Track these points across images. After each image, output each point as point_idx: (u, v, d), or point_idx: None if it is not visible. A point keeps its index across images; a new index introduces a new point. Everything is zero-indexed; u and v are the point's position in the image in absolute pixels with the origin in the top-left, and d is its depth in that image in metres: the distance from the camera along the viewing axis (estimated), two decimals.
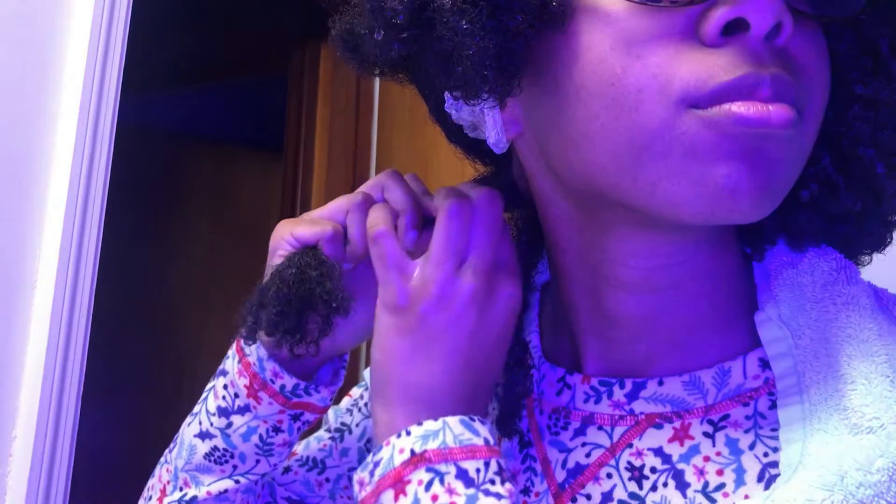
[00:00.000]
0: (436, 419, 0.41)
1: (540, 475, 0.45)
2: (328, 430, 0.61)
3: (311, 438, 0.62)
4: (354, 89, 1.91)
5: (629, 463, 0.42)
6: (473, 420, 0.42)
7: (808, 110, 0.36)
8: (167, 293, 2.60)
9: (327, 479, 0.59)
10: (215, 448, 0.52)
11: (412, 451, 0.40)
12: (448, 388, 0.43)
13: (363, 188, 0.51)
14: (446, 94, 0.45)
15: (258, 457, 0.52)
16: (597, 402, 0.44)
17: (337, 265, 0.48)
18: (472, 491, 0.39)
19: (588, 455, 0.44)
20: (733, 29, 0.34)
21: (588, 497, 0.43)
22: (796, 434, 0.37)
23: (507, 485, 0.40)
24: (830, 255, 0.42)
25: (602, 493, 0.42)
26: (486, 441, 0.41)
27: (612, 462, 0.43)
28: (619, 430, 0.43)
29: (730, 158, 0.34)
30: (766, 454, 0.39)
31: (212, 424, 0.52)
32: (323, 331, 0.47)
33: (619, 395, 0.44)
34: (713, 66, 0.34)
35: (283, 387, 0.50)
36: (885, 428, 0.34)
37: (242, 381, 0.51)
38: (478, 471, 0.40)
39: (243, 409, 0.51)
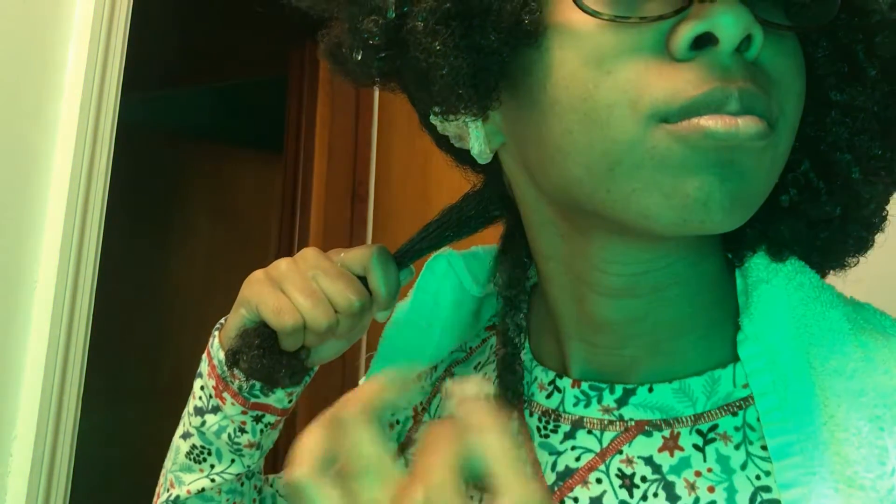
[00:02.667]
0: None
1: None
2: None
3: None
4: (354, 89, 1.91)
5: (620, 470, 0.42)
6: None
7: (780, 121, 0.36)
8: (167, 293, 2.60)
9: None
10: (193, 446, 0.55)
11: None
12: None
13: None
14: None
15: (231, 455, 0.54)
16: (586, 406, 0.45)
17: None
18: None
19: (578, 459, 0.44)
20: (702, 43, 0.34)
21: (576, 500, 0.43)
22: (791, 476, 0.37)
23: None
24: (807, 272, 0.43)
25: (591, 498, 0.42)
26: None
27: (603, 467, 0.43)
28: (608, 436, 0.43)
29: (700, 171, 0.34)
30: (758, 476, 0.39)
31: (190, 424, 0.55)
32: (286, 373, 0.52)
33: (608, 400, 0.44)
34: (682, 82, 0.34)
35: (240, 387, 0.52)
36: (875, 488, 0.35)
37: (211, 382, 0.54)
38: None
39: (215, 409, 0.54)
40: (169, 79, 2.52)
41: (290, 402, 0.54)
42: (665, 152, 0.35)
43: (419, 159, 1.64)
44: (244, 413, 0.53)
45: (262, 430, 0.54)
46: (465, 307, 0.56)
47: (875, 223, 0.43)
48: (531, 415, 0.47)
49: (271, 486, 0.61)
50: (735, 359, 0.42)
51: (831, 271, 0.46)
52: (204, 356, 0.55)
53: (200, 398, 0.54)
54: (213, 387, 0.53)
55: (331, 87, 1.95)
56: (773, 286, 0.42)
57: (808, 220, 0.42)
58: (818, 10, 0.37)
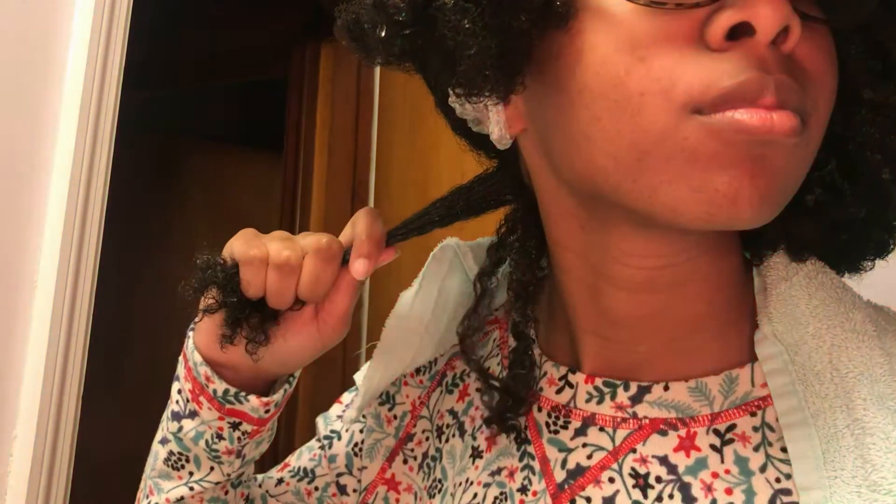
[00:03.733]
0: None
1: (538, 474, 0.45)
2: (318, 440, 0.61)
3: (304, 448, 0.62)
4: (354, 89, 1.91)
5: (633, 469, 0.41)
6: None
7: (812, 118, 0.35)
8: (167, 293, 2.60)
9: (316, 488, 0.59)
10: (171, 452, 0.53)
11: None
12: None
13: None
14: (450, 89, 0.45)
15: (210, 462, 0.52)
16: (599, 402, 0.44)
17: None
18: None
19: (589, 457, 0.43)
20: (739, 33, 0.34)
21: (588, 500, 0.42)
22: (811, 479, 0.36)
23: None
24: (828, 272, 0.42)
25: (603, 498, 0.42)
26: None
27: (615, 466, 0.42)
28: (621, 434, 0.43)
29: (731, 166, 0.34)
30: (777, 479, 0.38)
31: (168, 429, 0.53)
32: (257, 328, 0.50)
33: (622, 397, 0.43)
34: (717, 71, 0.33)
35: (214, 391, 0.50)
36: None
37: (188, 386, 0.52)
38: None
39: (192, 414, 0.52)
40: (169, 79, 2.52)
41: (266, 412, 0.51)
42: (696, 145, 0.34)
43: (419, 159, 1.64)
44: (221, 419, 0.51)
45: (239, 438, 0.51)
46: (470, 299, 0.54)
47: None
48: (540, 410, 0.47)
49: (260, 486, 0.60)
50: (752, 358, 0.41)
51: (846, 274, 0.45)
52: (180, 359, 0.53)
53: (178, 402, 0.52)
54: (189, 390, 0.51)
55: (331, 87, 1.95)
56: (793, 285, 0.41)
57: (831, 221, 0.41)
58: (856, 5, 0.36)
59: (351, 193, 1.87)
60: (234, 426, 0.51)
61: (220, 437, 0.51)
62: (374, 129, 1.87)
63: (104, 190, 1.23)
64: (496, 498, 0.46)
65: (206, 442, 0.51)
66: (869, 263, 0.45)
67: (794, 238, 0.42)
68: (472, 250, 0.55)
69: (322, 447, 0.60)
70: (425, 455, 0.53)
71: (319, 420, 0.63)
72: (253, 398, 0.51)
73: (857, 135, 0.39)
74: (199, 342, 0.51)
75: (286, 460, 0.62)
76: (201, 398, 0.51)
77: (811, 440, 0.37)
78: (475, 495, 0.47)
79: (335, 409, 0.63)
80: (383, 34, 0.40)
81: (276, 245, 0.49)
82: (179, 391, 0.53)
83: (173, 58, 2.34)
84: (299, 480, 0.59)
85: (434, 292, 0.54)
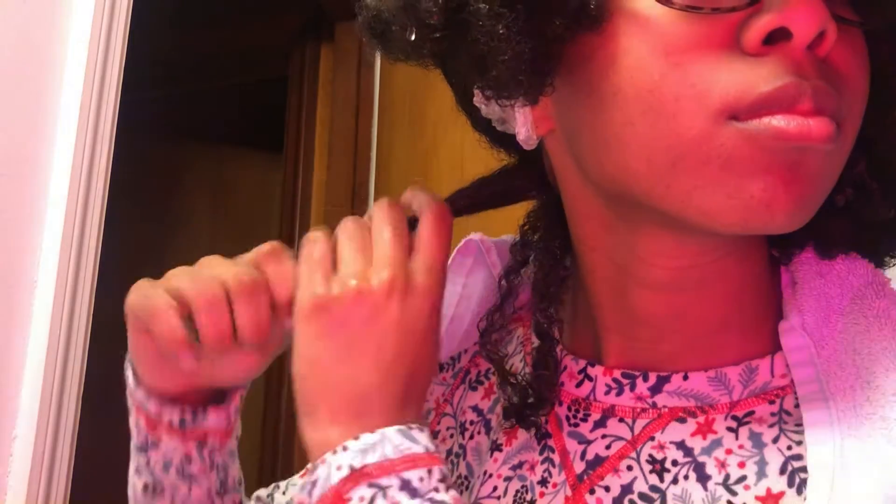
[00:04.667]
0: (372, 431, 0.39)
1: (558, 466, 0.45)
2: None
3: (296, 478, 0.60)
4: (354, 89, 1.90)
5: (650, 456, 0.42)
6: (412, 428, 0.40)
7: (847, 122, 0.35)
8: None
9: None
10: (146, 485, 0.50)
11: (351, 468, 0.38)
12: (378, 390, 0.40)
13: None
14: (476, 89, 0.44)
15: (187, 484, 0.50)
16: (618, 394, 0.44)
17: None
18: (416, 501, 0.37)
19: (608, 447, 0.43)
20: (776, 38, 0.33)
21: (607, 489, 0.42)
22: (824, 436, 0.36)
23: (452, 492, 0.38)
24: (860, 267, 0.42)
25: (621, 486, 0.42)
26: (427, 449, 0.39)
27: (633, 455, 0.42)
28: (640, 423, 0.43)
29: (767, 172, 0.34)
30: (789, 447, 0.39)
31: (138, 462, 0.51)
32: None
33: (641, 388, 0.43)
34: (754, 76, 0.33)
35: (171, 422, 0.48)
36: None
37: (141, 421, 0.49)
38: (421, 479, 0.38)
39: (154, 444, 0.49)
40: (169, 79, 2.52)
41: (228, 423, 0.50)
42: (732, 150, 0.34)
43: (419, 159, 1.64)
44: (184, 442, 0.49)
45: (210, 454, 0.50)
46: (493, 296, 0.54)
47: None
48: (560, 404, 0.47)
49: (269, 496, 0.59)
50: (774, 350, 0.41)
51: None
52: (127, 392, 0.51)
53: (136, 435, 0.50)
54: (144, 425, 0.49)
55: (331, 87, 1.95)
56: (828, 283, 0.41)
57: (859, 221, 0.42)
58: (888, 6, 0.36)
59: (351, 193, 1.86)
60: (201, 445, 0.50)
61: (189, 461, 0.49)
62: (374, 129, 1.87)
63: (104, 190, 1.23)
64: (517, 491, 0.46)
65: (177, 469, 0.49)
66: (893, 260, 0.45)
67: (821, 237, 0.42)
68: (495, 246, 0.55)
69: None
70: (449, 452, 0.53)
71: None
72: (211, 414, 0.49)
73: (887, 135, 0.39)
74: (141, 374, 0.48)
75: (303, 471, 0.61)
76: (158, 430, 0.49)
77: (827, 409, 0.37)
78: (495, 488, 0.47)
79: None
80: (413, 36, 0.40)
81: (185, 282, 0.45)
82: (136, 423, 0.50)
83: (173, 58, 2.34)
84: None
85: (458, 287, 0.54)
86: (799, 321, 0.40)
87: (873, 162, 0.40)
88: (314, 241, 0.44)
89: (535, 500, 0.45)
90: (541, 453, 0.46)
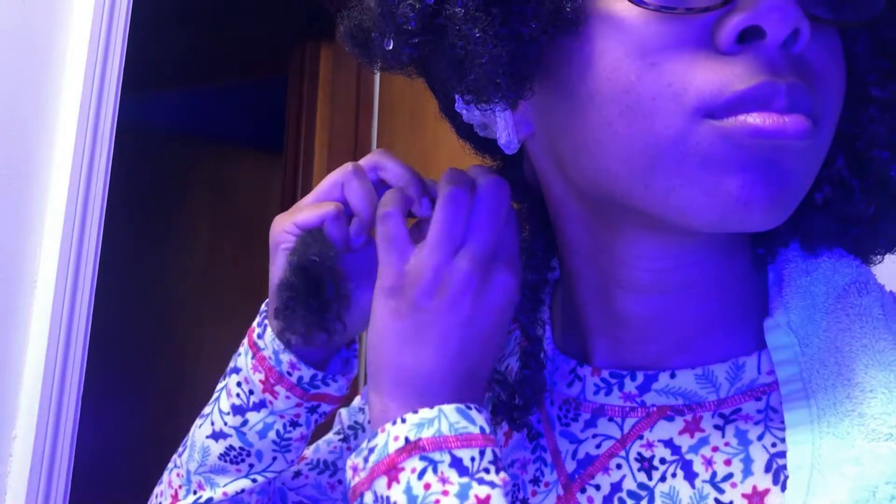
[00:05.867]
0: (431, 407, 0.41)
1: (550, 465, 0.45)
2: (338, 433, 0.61)
3: (321, 442, 0.61)
4: (354, 89, 1.91)
5: (639, 454, 0.42)
6: (470, 408, 0.41)
7: (823, 119, 0.36)
8: (167, 293, 2.60)
9: (339, 481, 0.58)
10: (231, 448, 0.51)
11: (406, 439, 0.40)
12: (440, 376, 0.42)
13: (352, 163, 0.50)
14: (456, 95, 0.45)
15: (275, 454, 0.51)
16: (607, 393, 0.45)
17: (338, 248, 0.48)
18: (465, 479, 0.38)
19: (598, 446, 0.44)
20: (749, 36, 0.34)
21: (597, 487, 0.43)
22: (804, 436, 0.37)
23: (502, 474, 0.39)
24: (846, 265, 0.42)
25: (611, 484, 0.42)
26: (482, 429, 0.40)
27: (623, 453, 0.43)
28: (629, 422, 0.43)
29: (744, 169, 0.34)
30: (773, 444, 0.39)
31: (226, 424, 0.51)
32: (334, 314, 0.47)
33: (630, 387, 0.44)
34: (729, 75, 0.34)
35: (300, 378, 0.49)
36: None
37: (258, 377, 0.50)
38: (472, 459, 0.39)
39: (259, 406, 0.50)
40: (169, 79, 2.52)
41: (346, 388, 0.51)
42: (709, 149, 0.34)
43: (419, 159, 1.64)
44: (299, 406, 0.50)
45: (315, 421, 0.51)
46: None
47: None
48: (552, 404, 0.47)
49: (281, 484, 0.60)
50: (760, 347, 0.42)
51: None
52: (244, 351, 0.51)
53: (238, 395, 0.51)
54: (260, 381, 0.50)
55: (331, 87, 1.95)
56: (814, 281, 0.42)
57: (840, 217, 0.42)
58: (864, 5, 0.36)
59: None
60: (313, 410, 0.51)
61: (295, 425, 0.51)
62: (374, 129, 1.87)
63: (104, 190, 1.23)
64: (510, 490, 0.47)
65: (278, 432, 0.50)
66: (878, 257, 0.45)
67: (805, 234, 0.43)
68: None
69: (344, 439, 0.60)
70: None
71: (343, 412, 0.62)
72: (339, 377, 0.51)
73: (864, 132, 0.40)
74: (277, 331, 0.50)
75: (302, 453, 0.61)
76: (277, 388, 0.50)
77: (808, 412, 0.37)
78: None
79: (357, 401, 0.62)
80: (391, 43, 0.40)
81: (342, 189, 0.49)
82: (239, 384, 0.51)
83: (173, 58, 2.34)
84: (320, 473, 0.59)
85: None
86: (784, 319, 0.41)
87: (852, 159, 0.41)
88: (387, 219, 0.45)
89: (528, 499, 0.46)
90: (533, 452, 0.47)
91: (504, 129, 0.43)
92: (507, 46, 0.37)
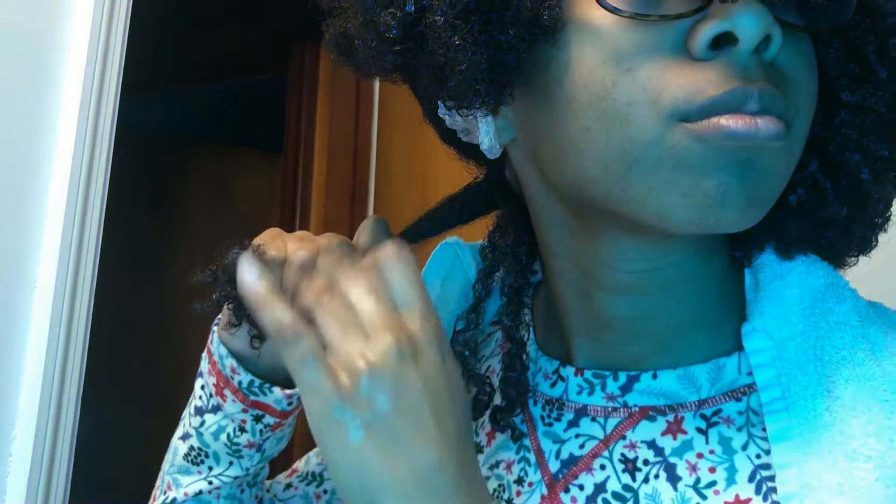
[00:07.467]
0: None
1: (534, 465, 0.46)
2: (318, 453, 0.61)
3: (311, 454, 0.62)
4: (354, 89, 1.91)
5: (622, 455, 0.43)
6: None
7: (795, 122, 0.37)
8: (167, 293, 2.60)
9: (325, 491, 0.59)
10: (192, 448, 0.53)
11: None
12: (439, 464, 0.36)
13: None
14: (438, 101, 0.45)
15: (229, 458, 0.53)
16: (590, 394, 0.45)
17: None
18: None
19: (582, 446, 0.44)
20: (722, 43, 0.35)
21: (581, 487, 0.43)
22: (789, 458, 0.37)
23: None
24: (820, 269, 0.43)
25: (595, 484, 0.43)
26: None
27: (606, 454, 0.43)
28: (612, 422, 0.44)
29: (719, 170, 0.35)
30: (758, 455, 0.39)
31: (190, 424, 0.53)
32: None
33: (612, 387, 0.44)
34: (702, 81, 0.35)
35: (240, 383, 0.51)
36: (882, 458, 0.35)
37: (211, 380, 0.52)
38: None
39: (215, 408, 0.52)
40: (169, 79, 2.52)
41: (288, 404, 0.52)
42: (684, 151, 0.35)
43: (419, 159, 1.64)
44: (244, 411, 0.51)
45: (261, 431, 0.52)
46: (468, 299, 0.55)
47: (878, 223, 0.44)
48: (535, 404, 0.48)
49: (268, 490, 0.60)
50: (739, 348, 0.42)
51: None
52: (204, 354, 0.54)
53: (201, 398, 0.53)
54: (213, 384, 0.52)
55: (331, 87, 1.95)
56: (787, 284, 0.42)
57: (815, 220, 0.43)
58: (834, 11, 0.37)
59: (351, 194, 1.87)
60: (257, 419, 0.52)
61: (242, 430, 0.52)
62: (374, 129, 1.87)
63: (104, 190, 1.23)
64: (494, 490, 0.47)
65: (228, 436, 0.52)
66: (853, 259, 0.46)
67: (780, 237, 0.43)
68: (471, 250, 0.56)
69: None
70: None
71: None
72: (276, 390, 0.51)
73: (836, 136, 0.41)
74: (223, 335, 0.52)
75: (294, 466, 0.63)
76: (225, 391, 0.51)
77: (790, 424, 0.38)
78: None
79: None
80: (374, 51, 0.41)
81: (294, 245, 0.49)
82: (203, 386, 0.53)
83: (173, 58, 2.35)
84: (307, 485, 0.60)
85: (437, 288, 0.55)
86: (760, 323, 0.41)
87: (825, 162, 0.42)
88: (294, 341, 0.37)
89: (512, 499, 0.46)
90: (517, 453, 0.47)
91: (486, 134, 0.44)
92: (487, 53, 0.37)
